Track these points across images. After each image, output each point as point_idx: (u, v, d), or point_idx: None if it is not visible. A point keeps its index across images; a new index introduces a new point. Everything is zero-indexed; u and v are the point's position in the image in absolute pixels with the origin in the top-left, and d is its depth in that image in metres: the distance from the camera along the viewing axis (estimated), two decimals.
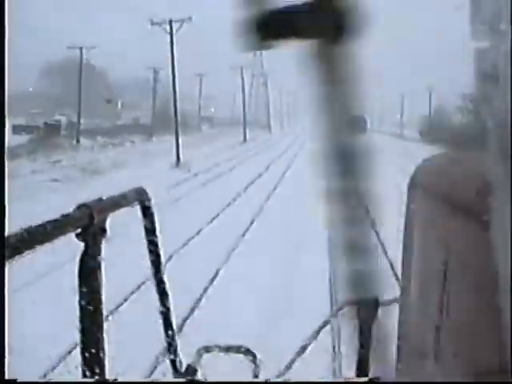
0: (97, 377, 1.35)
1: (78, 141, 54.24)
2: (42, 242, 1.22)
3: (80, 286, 1.38)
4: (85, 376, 1.36)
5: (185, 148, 48.90)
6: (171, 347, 1.93)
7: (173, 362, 1.94)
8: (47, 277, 10.93)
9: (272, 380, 1.93)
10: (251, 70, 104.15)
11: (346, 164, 0.79)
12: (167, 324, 1.92)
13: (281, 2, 0.76)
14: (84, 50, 62.08)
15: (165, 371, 2.14)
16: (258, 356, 2.25)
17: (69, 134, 56.19)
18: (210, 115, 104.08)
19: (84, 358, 1.37)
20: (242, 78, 69.65)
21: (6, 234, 1.16)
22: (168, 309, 1.92)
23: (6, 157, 1.41)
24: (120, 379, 1.31)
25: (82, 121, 68.12)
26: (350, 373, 1.94)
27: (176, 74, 43.19)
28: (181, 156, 39.60)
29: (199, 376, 2.02)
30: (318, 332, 2.48)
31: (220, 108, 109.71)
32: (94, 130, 62.65)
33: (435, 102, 76.88)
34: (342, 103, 0.77)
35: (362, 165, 0.79)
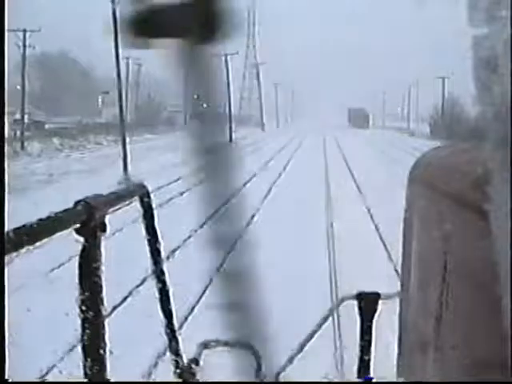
0: (98, 375, 1.37)
1: (22, 146, 44.85)
2: (41, 238, 1.25)
3: (80, 282, 1.40)
4: (86, 375, 1.38)
5: (155, 151, 41.14)
6: (173, 343, 1.92)
7: (174, 358, 1.93)
8: None
9: (272, 380, 1.96)
10: (244, 61, 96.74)
11: (211, 163, 0.83)
12: (168, 319, 1.91)
13: (154, 1, 0.80)
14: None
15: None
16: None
17: (22, 137, 47.74)
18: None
19: (85, 355, 1.38)
20: (227, 67, 61.49)
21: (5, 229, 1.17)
22: (169, 303, 1.91)
23: (5, 156, 1.41)
24: (119, 379, 1.36)
25: (55, 119, 61.12)
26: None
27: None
28: (137, 166, 31.27)
29: (200, 371, 2.01)
30: (318, 328, 2.44)
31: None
32: (61, 130, 54.82)
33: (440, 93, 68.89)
34: (207, 102, 0.82)
35: (227, 167, 0.83)
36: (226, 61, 63.24)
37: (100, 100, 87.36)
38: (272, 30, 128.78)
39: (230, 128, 61.29)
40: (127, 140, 60.66)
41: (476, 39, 0.84)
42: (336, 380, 3.15)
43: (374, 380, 2.23)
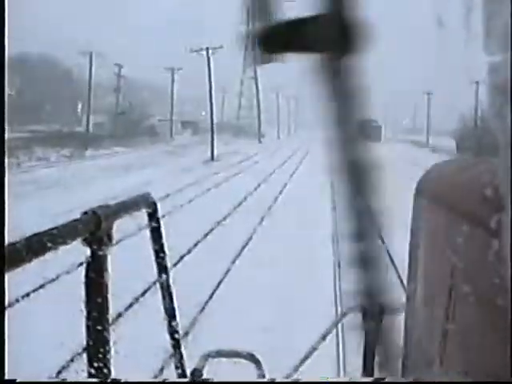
0: (102, 378, 1.42)
1: None
2: (49, 248, 1.26)
3: (87, 290, 1.42)
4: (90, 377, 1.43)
5: (112, 171, 31.76)
6: (176, 353, 1.94)
7: (178, 368, 1.95)
8: None
9: (276, 380, 2.01)
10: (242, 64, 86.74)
11: (357, 178, 0.81)
12: (172, 329, 1.92)
13: (287, 15, 0.77)
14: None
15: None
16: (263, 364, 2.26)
17: None
18: (196, 120, 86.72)
19: (90, 360, 1.42)
20: (209, 65, 50.77)
21: (11, 240, 1.19)
22: (174, 314, 1.93)
23: (5, 161, 1.44)
24: (124, 379, 1.43)
25: (30, 127, 52.49)
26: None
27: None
28: (50, 204, 20.66)
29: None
30: (322, 339, 2.49)
31: (215, 111, 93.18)
32: (10, 141, 44.00)
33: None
34: (349, 117, 0.79)
35: (372, 179, 0.81)
36: (208, 57, 52.62)
37: (80, 106, 77.47)
38: None
39: (212, 141, 50.17)
40: (88, 154, 49.75)
41: (490, 66, 0.84)
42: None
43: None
